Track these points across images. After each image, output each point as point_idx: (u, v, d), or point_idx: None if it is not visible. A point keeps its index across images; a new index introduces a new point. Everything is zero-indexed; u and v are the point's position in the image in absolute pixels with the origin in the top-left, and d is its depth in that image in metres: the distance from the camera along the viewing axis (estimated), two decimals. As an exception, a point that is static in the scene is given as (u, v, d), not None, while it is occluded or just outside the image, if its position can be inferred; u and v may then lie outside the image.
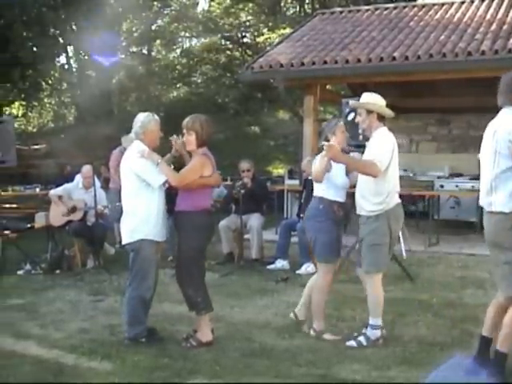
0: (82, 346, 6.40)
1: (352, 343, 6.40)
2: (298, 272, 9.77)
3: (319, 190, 6.67)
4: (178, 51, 35.54)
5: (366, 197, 6.34)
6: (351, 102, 7.23)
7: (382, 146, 6.28)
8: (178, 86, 34.22)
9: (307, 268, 9.85)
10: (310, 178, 10.21)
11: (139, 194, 6.40)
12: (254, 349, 6.30)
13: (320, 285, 6.71)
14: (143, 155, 6.34)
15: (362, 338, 6.40)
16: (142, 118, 6.55)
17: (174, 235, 6.71)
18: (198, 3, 35.89)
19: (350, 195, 6.79)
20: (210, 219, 6.52)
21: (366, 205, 6.35)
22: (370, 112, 6.35)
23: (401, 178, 6.58)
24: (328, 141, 6.44)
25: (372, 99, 6.47)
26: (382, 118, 6.40)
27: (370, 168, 6.19)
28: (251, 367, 5.77)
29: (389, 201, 6.29)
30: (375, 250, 6.30)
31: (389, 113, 6.43)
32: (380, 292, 6.41)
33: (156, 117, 6.63)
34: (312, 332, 6.72)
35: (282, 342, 6.51)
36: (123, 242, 6.59)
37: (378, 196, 6.25)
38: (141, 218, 6.39)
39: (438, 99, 15.35)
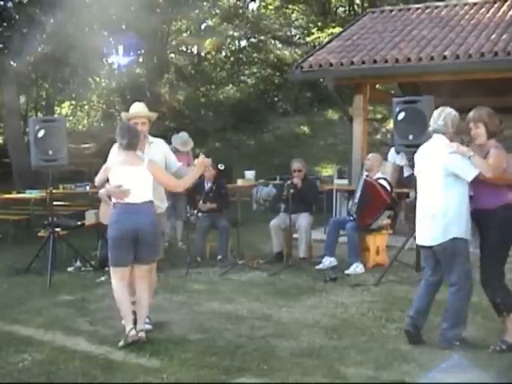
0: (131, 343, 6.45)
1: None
2: (346, 272, 9.64)
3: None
4: (228, 50, 35.61)
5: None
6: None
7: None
8: (227, 85, 34.29)
9: (356, 268, 9.75)
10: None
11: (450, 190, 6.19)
12: (303, 348, 6.29)
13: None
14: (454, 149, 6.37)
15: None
16: None
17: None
18: (248, 4, 35.96)
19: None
20: None
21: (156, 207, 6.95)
22: (150, 121, 7.35)
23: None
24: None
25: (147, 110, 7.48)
26: None
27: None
28: (299, 367, 5.76)
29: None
30: (160, 240, 7.42)
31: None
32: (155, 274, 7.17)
33: None
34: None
35: (331, 342, 6.48)
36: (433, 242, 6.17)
37: (163, 197, 7.29)
38: (453, 216, 6.07)
39: (488, 98, 15.11)
